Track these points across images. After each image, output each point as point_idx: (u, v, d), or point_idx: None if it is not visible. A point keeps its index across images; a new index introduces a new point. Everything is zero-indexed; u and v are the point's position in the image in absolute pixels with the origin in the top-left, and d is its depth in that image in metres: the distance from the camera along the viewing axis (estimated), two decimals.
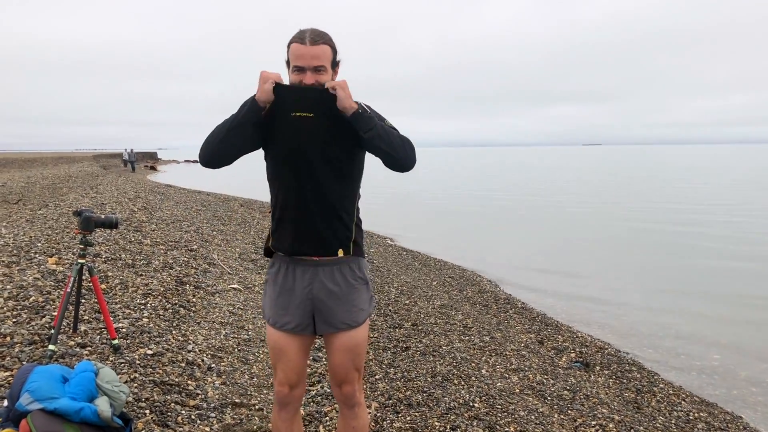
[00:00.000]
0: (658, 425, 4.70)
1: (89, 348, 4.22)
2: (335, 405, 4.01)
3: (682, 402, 5.39)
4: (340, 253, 2.43)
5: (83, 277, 4.37)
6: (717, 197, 27.05)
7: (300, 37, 2.31)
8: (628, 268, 12.11)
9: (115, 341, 4.23)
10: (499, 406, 4.43)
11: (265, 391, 4.22)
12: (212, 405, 3.77)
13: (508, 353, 6.02)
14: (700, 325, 8.01)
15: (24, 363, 3.76)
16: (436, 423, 3.96)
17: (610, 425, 4.42)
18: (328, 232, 2.41)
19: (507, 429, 4.08)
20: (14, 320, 4.50)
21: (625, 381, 5.78)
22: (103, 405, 2.73)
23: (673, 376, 6.21)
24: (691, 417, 5.02)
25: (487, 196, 29.61)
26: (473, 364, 5.38)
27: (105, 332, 4.50)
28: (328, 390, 4.27)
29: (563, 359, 6.25)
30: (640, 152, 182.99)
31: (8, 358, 3.82)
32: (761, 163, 74.25)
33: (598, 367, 6.09)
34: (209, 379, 4.19)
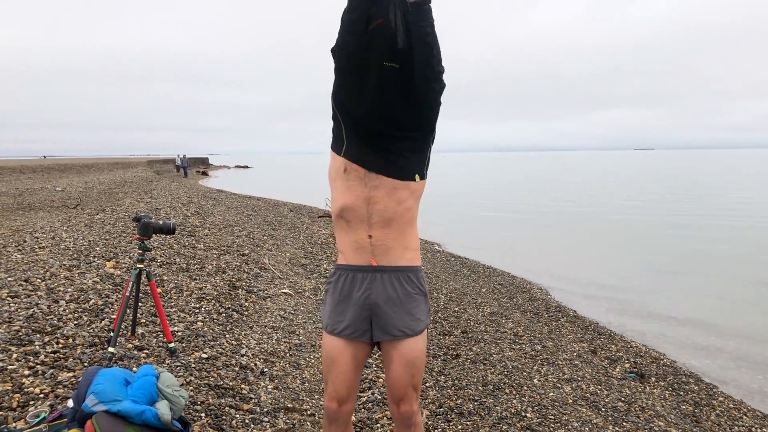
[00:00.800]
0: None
1: (146, 351, 4.33)
2: (386, 412, 4.02)
3: (744, 417, 5.21)
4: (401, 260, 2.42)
5: (141, 282, 4.48)
6: None
7: None
8: (682, 279, 11.80)
9: (171, 344, 4.32)
10: (552, 417, 4.37)
11: (316, 397, 4.25)
12: (265, 409, 3.82)
13: (560, 363, 5.92)
14: (761, 338, 7.74)
15: (85, 365, 3.88)
16: None
17: None
18: None
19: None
20: (75, 322, 4.64)
21: (682, 393, 5.63)
22: (163, 408, 2.80)
23: (733, 390, 6.01)
24: (753, 430, 4.86)
25: (534, 202, 29.24)
26: (525, 374, 5.31)
27: (161, 335, 4.61)
28: (379, 396, 4.27)
29: (617, 369, 6.12)
30: (694, 156, 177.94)
31: (70, 360, 3.94)
32: None
33: (653, 379, 5.95)
34: (262, 384, 4.25)
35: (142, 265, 4.30)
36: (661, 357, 6.80)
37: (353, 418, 3.89)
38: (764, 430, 4.94)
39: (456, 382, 4.82)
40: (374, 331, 2.43)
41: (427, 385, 4.69)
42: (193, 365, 4.21)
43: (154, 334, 4.66)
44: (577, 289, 10.39)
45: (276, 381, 4.37)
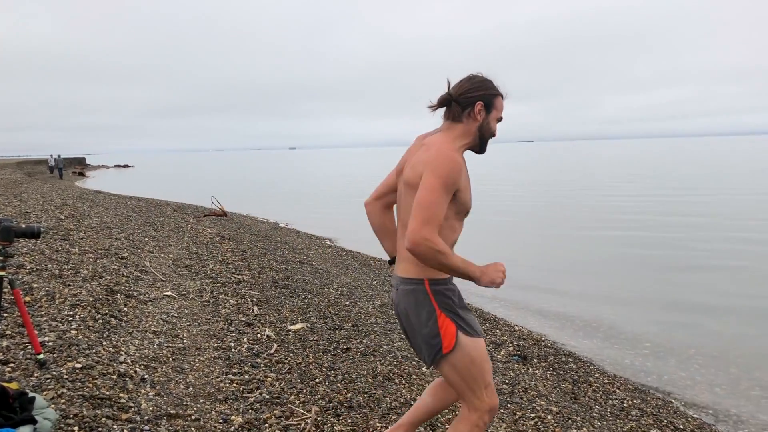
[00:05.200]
0: (594, 414, 4.82)
1: (12, 365, 4.01)
2: (274, 411, 3.95)
3: (617, 390, 5.54)
4: None
5: (5, 290, 4.14)
6: (645, 190, 28.05)
7: (502, 92, 2.71)
8: (558, 262, 12.42)
9: (41, 356, 4.03)
10: None
11: (201, 401, 4.11)
12: (146, 417, 3.64)
13: None
14: (632, 314, 8.27)
15: None
16: (378, 423, 3.94)
17: (549, 417, 4.51)
18: None
19: (448, 426, 4.10)
20: None
21: (561, 372, 5.91)
22: None
23: (608, 366, 6.38)
24: (625, 404, 5.17)
25: None
26: (414, 363, 5.38)
27: (29, 347, 4.29)
28: (267, 396, 4.20)
29: (501, 353, 6.33)
30: (570, 147, 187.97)
31: None
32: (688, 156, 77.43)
33: (535, 360, 6.20)
34: (142, 391, 4.05)
35: (3, 273, 3.97)
36: (543, 339, 7.12)
37: (240, 419, 3.80)
38: (635, 401, 5.28)
39: (346, 375, 4.81)
40: None
41: (317, 380, 4.65)
42: (65, 376, 3.95)
43: (21, 346, 4.33)
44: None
45: (158, 387, 4.18)
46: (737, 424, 5.13)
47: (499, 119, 2.73)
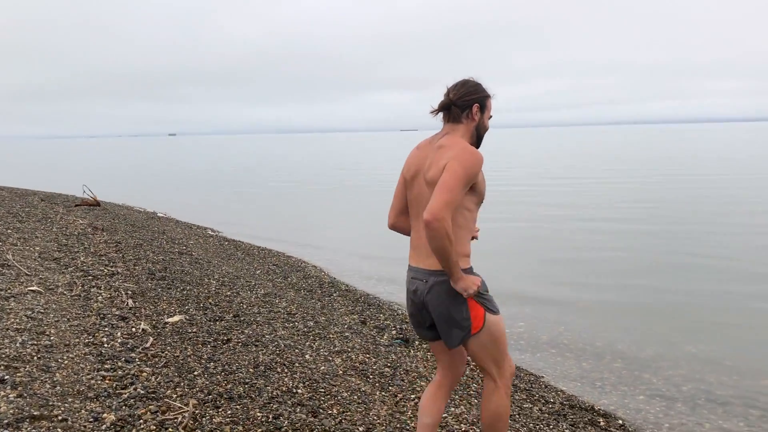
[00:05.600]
0: (471, 392, 5.01)
1: None
2: (150, 407, 3.82)
3: None
4: None
5: None
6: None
7: (491, 93, 3.09)
8: None
9: None
10: (323, 390, 4.47)
11: (70, 400, 3.88)
12: (5, 421, 3.40)
13: (331, 336, 6.08)
14: (512, 287, 8.65)
15: None
16: (259, 413, 3.90)
17: None
18: None
19: (330, 411, 4.13)
20: None
21: None
22: None
23: None
24: None
25: (304, 181, 29.74)
26: (297, 351, 5.37)
27: None
28: (143, 392, 4.04)
29: (385, 337, 6.44)
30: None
31: None
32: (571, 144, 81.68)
33: (417, 342, 6.35)
34: (2, 393, 3.78)
35: None
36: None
37: (113, 416, 3.64)
38: None
39: (226, 367, 4.71)
40: None
41: (195, 373, 4.53)
42: None
43: None
44: (350, 265, 10.80)
45: (20, 388, 3.91)
46: (601, 395, 5.49)
47: (490, 117, 3.11)
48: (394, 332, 6.63)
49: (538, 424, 4.48)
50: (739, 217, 15.58)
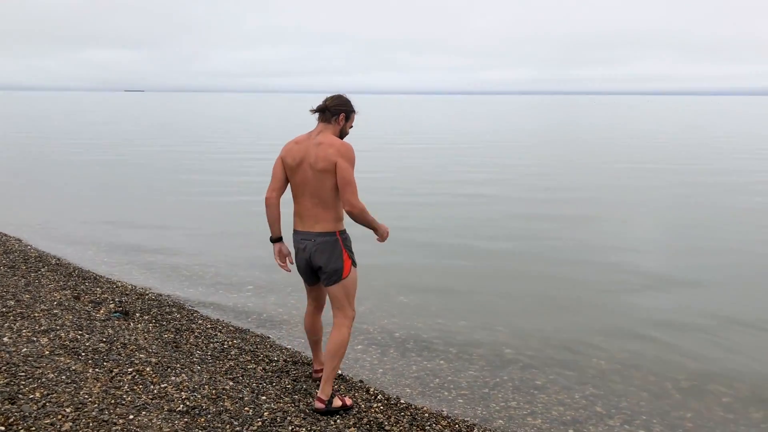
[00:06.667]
0: (195, 359, 4.91)
1: None
2: None
3: (219, 333, 5.73)
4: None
5: None
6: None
7: (356, 109, 4.16)
8: (188, 213, 12.31)
9: None
10: (23, 374, 4.06)
11: None
12: None
13: (37, 315, 5.51)
14: (237, 260, 8.63)
15: None
16: None
17: (147, 368, 4.46)
18: None
19: (32, 395, 3.76)
20: None
21: (164, 323, 5.86)
22: None
23: (212, 312, 6.54)
24: (225, 346, 5.39)
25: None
26: None
27: None
28: None
29: (101, 311, 5.99)
30: (183, 99, 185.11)
31: None
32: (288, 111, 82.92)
33: (138, 314, 6.03)
34: None
35: None
36: (147, 292, 6.96)
37: None
38: (235, 341, 5.51)
39: None
40: None
41: None
42: None
43: None
44: (65, 236, 9.88)
45: None
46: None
47: (351, 126, 4.16)
48: (112, 306, 6.21)
49: (261, 383, 4.56)
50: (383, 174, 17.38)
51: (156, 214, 12.27)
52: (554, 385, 5.09)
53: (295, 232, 4.08)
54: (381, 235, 4.10)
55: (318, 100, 4.09)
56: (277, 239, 4.17)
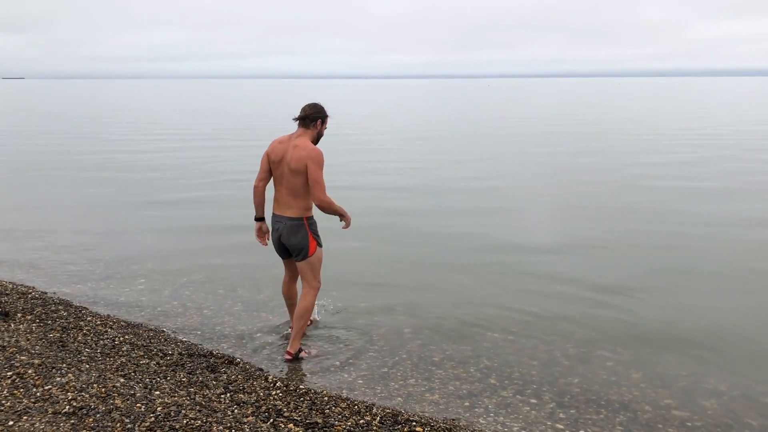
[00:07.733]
0: (83, 358, 4.70)
1: None
2: None
3: (109, 330, 5.50)
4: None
5: None
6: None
7: (329, 114, 5.06)
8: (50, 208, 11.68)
9: None
10: None
11: None
12: None
13: None
14: (126, 248, 8.30)
15: None
16: None
17: (30, 371, 4.23)
18: None
19: None
20: None
21: (50, 322, 5.56)
22: None
23: (102, 308, 6.27)
24: (116, 342, 5.18)
25: None
26: None
27: None
28: None
29: None
30: (68, 86, 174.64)
31: None
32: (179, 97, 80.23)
33: (20, 314, 5.69)
34: None
35: None
36: (30, 291, 6.57)
37: None
38: (127, 337, 5.31)
39: None
40: None
41: None
42: None
43: None
44: None
45: None
46: (221, 340, 5.62)
47: (326, 128, 5.04)
48: None
49: (154, 378, 4.42)
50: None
51: (41, 211, 11.60)
52: (450, 361, 5.24)
53: (273, 214, 5.06)
54: (347, 221, 5.12)
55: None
56: (259, 218, 5.21)
